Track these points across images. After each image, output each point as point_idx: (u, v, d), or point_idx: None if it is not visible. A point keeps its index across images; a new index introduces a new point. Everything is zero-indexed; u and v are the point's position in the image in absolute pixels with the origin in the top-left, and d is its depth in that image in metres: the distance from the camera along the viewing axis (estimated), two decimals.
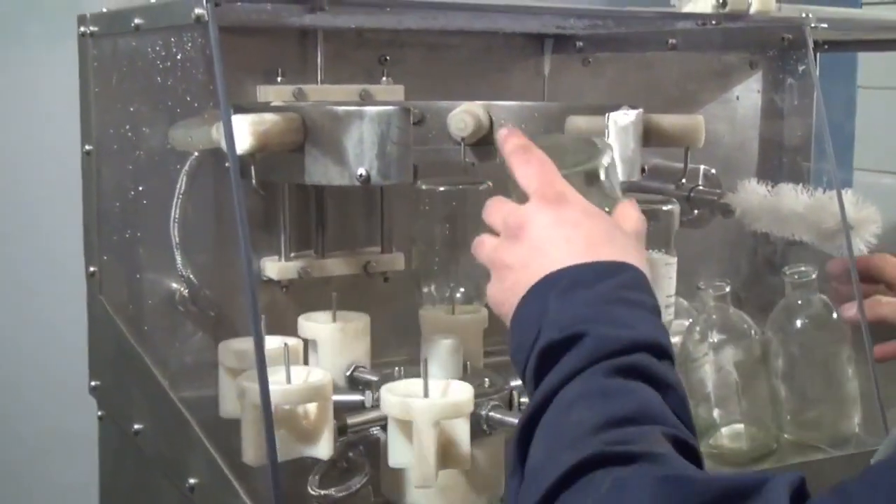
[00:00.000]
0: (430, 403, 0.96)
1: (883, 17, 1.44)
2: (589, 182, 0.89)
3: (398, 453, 0.98)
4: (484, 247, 0.86)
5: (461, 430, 0.97)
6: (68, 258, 1.26)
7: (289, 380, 0.99)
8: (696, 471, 0.63)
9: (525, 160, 0.85)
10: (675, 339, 1.26)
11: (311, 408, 0.99)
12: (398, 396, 0.97)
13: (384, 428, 1.02)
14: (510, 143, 0.87)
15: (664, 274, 1.19)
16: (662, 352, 0.74)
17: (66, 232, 1.27)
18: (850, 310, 1.20)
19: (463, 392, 0.99)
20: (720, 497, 0.59)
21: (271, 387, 0.93)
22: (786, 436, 1.22)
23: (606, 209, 0.87)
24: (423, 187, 1.21)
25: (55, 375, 1.42)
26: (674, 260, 1.21)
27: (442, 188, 1.22)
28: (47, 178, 1.41)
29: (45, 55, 1.38)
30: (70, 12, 1.22)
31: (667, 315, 1.19)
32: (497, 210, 0.86)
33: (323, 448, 0.99)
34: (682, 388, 0.74)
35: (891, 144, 1.89)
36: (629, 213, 0.87)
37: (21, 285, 1.43)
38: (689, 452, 0.67)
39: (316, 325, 1.16)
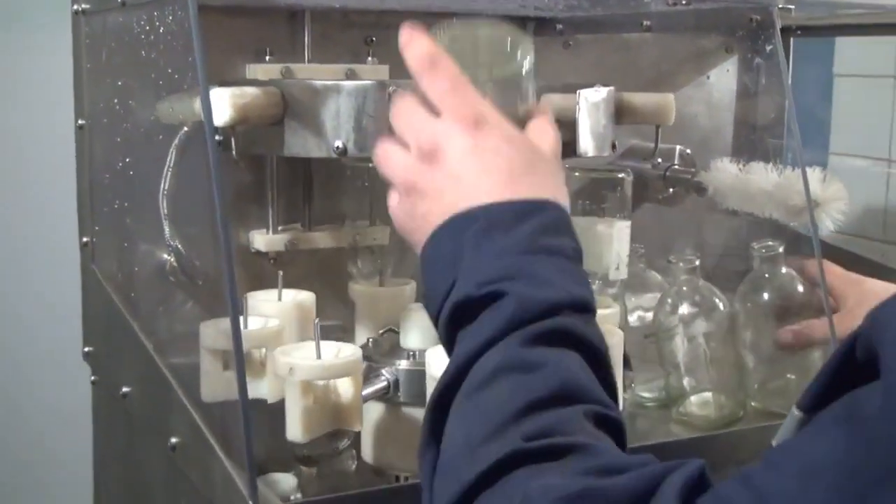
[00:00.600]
0: (301, 364, 0.93)
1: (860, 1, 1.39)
2: (504, 90, 0.77)
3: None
4: (391, 162, 0.75)
5: (345, 390, 0.95)
6: (64, 229, 1.23)
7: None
8: (598, 477, 0.57)
9: (434, 74, 0.73)
10: (648, 314, 1.25)
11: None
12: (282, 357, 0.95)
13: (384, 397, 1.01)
14: (414, 51, 0.74)
15: (622, 237, 1.15)
16: (584, 306, 0.67)
17: (60, 204, 1.23)
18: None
19: (350, 355, 0.96)
20: None
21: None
22: (753, 403, 1.19)
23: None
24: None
25: (50, 342, 1.39)
26: (628, 223, 1.16)
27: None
28: (43, 154, 1.37)
29: (40, 34, 1.34)
30: None
31: (620, 274, 1.16)
32: (408, 120, 0.74)
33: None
34: (604, 343, 0.68)
35: (865, 130, 1.85)
36: (545, 130, 0.77)
37: (18, 255, 1.39)
38: (612, 426, 0.62)
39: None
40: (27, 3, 1.35)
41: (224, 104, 0.97)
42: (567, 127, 1.05)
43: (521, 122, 0.76)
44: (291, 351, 0.97)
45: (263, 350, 1.01)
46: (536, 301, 0.65)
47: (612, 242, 1.13)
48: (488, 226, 0.68)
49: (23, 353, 1.40)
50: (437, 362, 0.93)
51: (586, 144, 1.06)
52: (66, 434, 1.33)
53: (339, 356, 0.96)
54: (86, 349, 1.23)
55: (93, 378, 1.24)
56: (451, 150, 0.71)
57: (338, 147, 1.00)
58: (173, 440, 1.00)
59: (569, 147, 1.05)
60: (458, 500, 0.59)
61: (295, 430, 0.93)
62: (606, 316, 1.06)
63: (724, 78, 1.43)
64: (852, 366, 0.55)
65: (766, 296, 1.18)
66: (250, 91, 0.99)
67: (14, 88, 1.37)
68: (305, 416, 0.93)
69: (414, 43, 0.75)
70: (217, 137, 0.97)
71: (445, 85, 0.73)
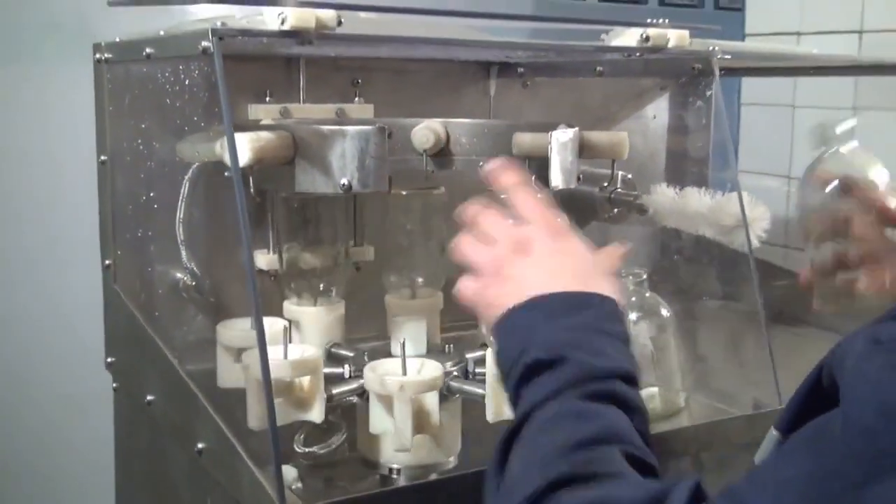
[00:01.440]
0: (408, 381, 0.95)
1: (773, 50, 1.45)
2: None
3: (379, 422, 0.97)
4: (478, 251, 0.83)
5: (431, 402, 0.97)
6: (85, 254, 1.23)
7: (286, 356, 0.99)
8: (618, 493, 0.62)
9: (526, 194, 0.83)
10: None
11: (305, 379, 0.98)
12: (379, 374, 0.96)
13: (360, 395, 1.02)
14: (509, 177, 0.85)
15: None
16: (631, 379, 0.73)
17: (83, 231, 1.23)
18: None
19: (434, 370, 0.98)
20: None
21: (271, 361, 0.91)
22: (692, 398, 1.23)
23: None
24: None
25: (73, 353, 1.38)
26: None
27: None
28: (66, 184, 1.35)
29: (60, 75, 1.32)
30: (82, 36, 1.19)
31: None
32: (498, 223, 0.83)
33: (316, 413, 0.98)
34: (646, 411, 0.73)
35: (767, 151, 1.91)
36: (611, 254, 0.86)
37: (43, 278, 1.38)
38: (645, 468, 0.66)
39: (299, 308, 1.16)
40: (47, 50, 1.33)
41: (244, 148, 0.97)
42: (539, 163, 1.08)
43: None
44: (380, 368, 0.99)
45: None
46: (593, 366, 0.71)
47: None
48: (561, 308, 0.75)
49: (47, 364, 1.38)
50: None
51: (556, 179, 1.09)
52: (89, 435, 1.32)
53: (421, 372, 0.99)
54: (108, 360, 1.22)
55: (114, 385, 1.24)
56: (539, 247, 0.80)
57: (343, 184, 1.01)
58: (200, 445, 1.00)
59: (542, 180, 1.08)
60: None
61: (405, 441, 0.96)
62: None
63: (659, 113, 1.47)
64: (820, 391, 0.60)
65: (634, 316, 1.22)
66: (265, 135, 0.99)
67: (39, 120, 1.34)
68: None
69: (506, 170, 0.86)
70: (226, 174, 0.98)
71: (535, 202, 0.83)
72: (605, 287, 0.78)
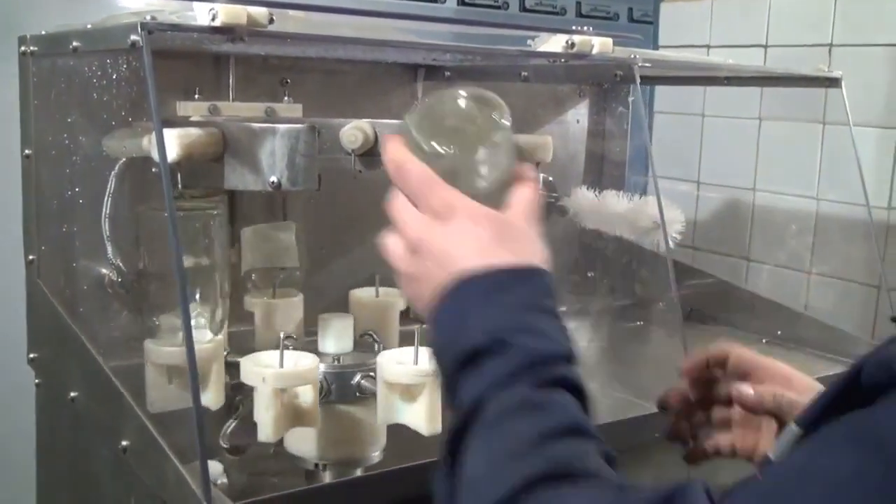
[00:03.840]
0: (272, 373, 0.92)
1: (690, 59, 1.45)
2: (481, 158, 0.71)
3: (257, 412, 0.94)
4: (395, 255, 0.73)
5: (306, 395, 0.94)
6: (8, 248, 1.16)
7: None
8: (620, 493, 0.57)
9: (402, 177, 0.72)
10: None
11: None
12: (250, 366, 0.93)
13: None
14: (385, 159, 0.73)
15: None
16: (573, 359, 0.67)
17: (6, 225, 1.16)
18: None
19: (309, 364, 0.95)
20: None
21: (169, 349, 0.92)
22: (611, 393, 1.22)
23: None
24: None
25: None
26: None
27: None
28: None
29: None
30: (7, 29, 1.12)
31: None
32: (397, 216, 0.73)
33: (211, 398, 0.97)
34: (590, 391, 0.67)
35: (679, 157, 1.92)
36: (524, 195, 0.73)
37: None
38: (610, 460, 0.61)
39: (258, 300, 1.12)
40: None
41: (172, 143, 0.93)
42: None
43: (505, 186, 0.72)
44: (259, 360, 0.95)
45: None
46: (539, 351, 0.64)
47: None
48: (494, 285, 0.67)
49: None
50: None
51: None
52: (8, 430, 1.25)
53: (296, 365, 0.95)
54: (31, 355, 1.16)
55: (37, 381, 1.18)
56: (430, 242, 0.70)
57: (273, 182, 0.97)
58: (124, 443, 0.95)
59: None
60: None
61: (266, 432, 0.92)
62: None
63: (581, 118, 1.46)
64: (854, 390, 0.55)
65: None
66: (194, 132, 0.95)
67: None
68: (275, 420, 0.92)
69: (385, 151, 0.73)
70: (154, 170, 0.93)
71: (412, 186, 0.71)
72: (522, 251, 0.69)
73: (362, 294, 1.17)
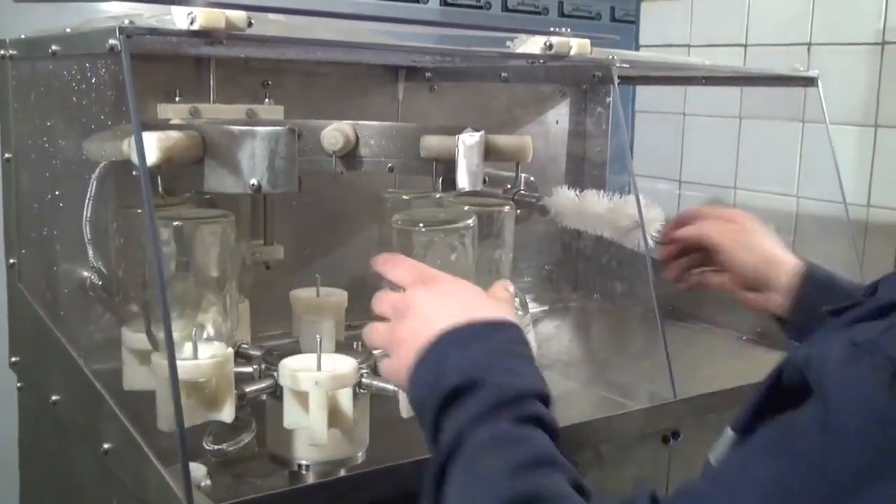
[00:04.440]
0: (323, 377, 0.92)
1: (667, 60, 1.45)
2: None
3: (293, 418, 0.94)
4: (378, 331, 0.83)
5: (345, 398, 0.94)
6: None
7: (196, 356, 0.94)
8: None
9: (393, 264, 0.85)
10: None
11: (215, 380, 0.94)
12: (294, 371, 0.93)
13: (272, 394, 0.98)
14: (379, 260, 0.87)
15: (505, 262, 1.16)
16: (545, 397, 0.73)
17: None
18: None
19: (348, 366, 0.95)
20: None
21: (181, 364, 0.86)
22: (591, 391, 1.22)
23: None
24: None
25: None
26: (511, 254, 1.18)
27: None
28: None
29: None
30: None
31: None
32: (384, 299, 0.84)
33: (226, 413, 0.95)
34: (559, 429, 0.72)
35: (660, 156, 1.93)
36: (499, 288, 0.87)
37: None
38: (581, 491, 0.65)
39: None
40: None
41: (151, 146, 0.92)
42: (446, 165, 1.05)
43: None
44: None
45: None
46: (512, 387, 0.70)
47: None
48: (470, 335, 0.75)
49: None
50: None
51: (463, 181, 1.06)
52: None
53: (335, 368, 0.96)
54: (12, 359, 1.15)
55: (19, 385, 1.17)
56: (418, 301, 0.80)
57: (253, 184, 0.96)
58: (106, 445, 0.95)
59: (449, 182, 1.06)
60: None
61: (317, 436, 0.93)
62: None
63: (560, 118, 1.46)
64: (779, 391, 0.58)
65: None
66: (174, 134, 0.94)
67: None
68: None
69: (380, 258, 0.88)
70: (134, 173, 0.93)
71: (402, 269, 0.84)
72: (496, 310, 0.78)
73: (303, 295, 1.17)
